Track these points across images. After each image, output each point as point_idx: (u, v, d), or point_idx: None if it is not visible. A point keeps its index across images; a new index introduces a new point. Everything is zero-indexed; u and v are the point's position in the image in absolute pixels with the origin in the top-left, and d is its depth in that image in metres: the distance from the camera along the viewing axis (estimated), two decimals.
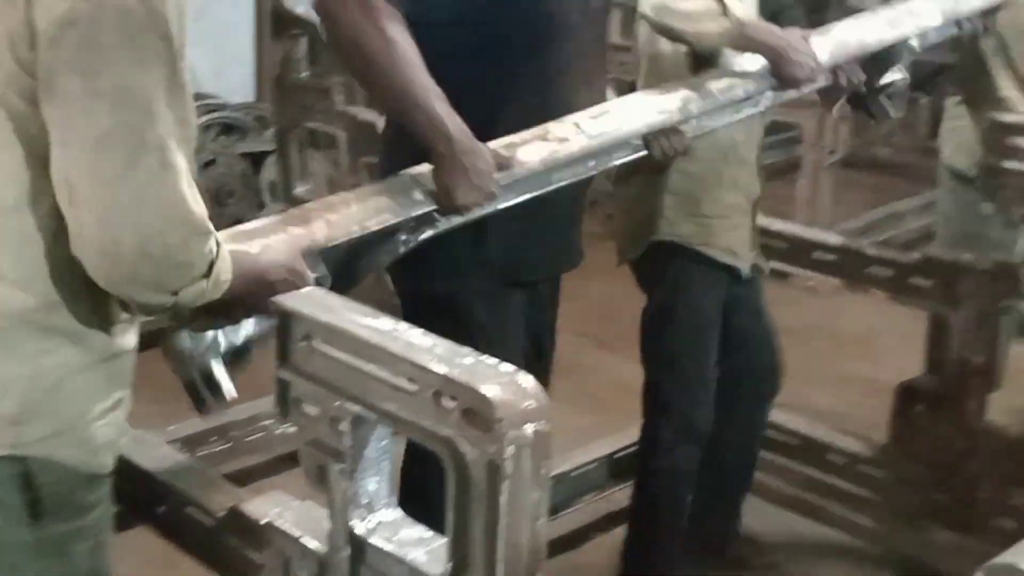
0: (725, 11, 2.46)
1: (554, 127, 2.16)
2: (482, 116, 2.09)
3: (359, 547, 1.47)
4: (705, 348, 2.84)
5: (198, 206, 1.47)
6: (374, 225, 1.88)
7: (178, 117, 1.45)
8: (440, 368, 1.34)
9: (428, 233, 2.02)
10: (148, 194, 1.41)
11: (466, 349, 1.37)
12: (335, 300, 1.50)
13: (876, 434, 3.23)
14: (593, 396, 3.83)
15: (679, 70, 2.60)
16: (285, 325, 1.48)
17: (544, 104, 2.22)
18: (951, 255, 3.04)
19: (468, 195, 1.99)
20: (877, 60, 2.76)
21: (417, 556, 1.43)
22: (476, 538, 1.33)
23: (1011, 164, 2.93)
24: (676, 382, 2.85)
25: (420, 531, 1.47)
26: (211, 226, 1.50)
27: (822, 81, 2.59)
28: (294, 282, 1.66)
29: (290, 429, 1.55)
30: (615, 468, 3.23)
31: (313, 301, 1.49)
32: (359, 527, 1.47)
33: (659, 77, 2.62)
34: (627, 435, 3.14)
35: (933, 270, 3.03)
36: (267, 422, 3.45)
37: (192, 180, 1.48)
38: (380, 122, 4.35)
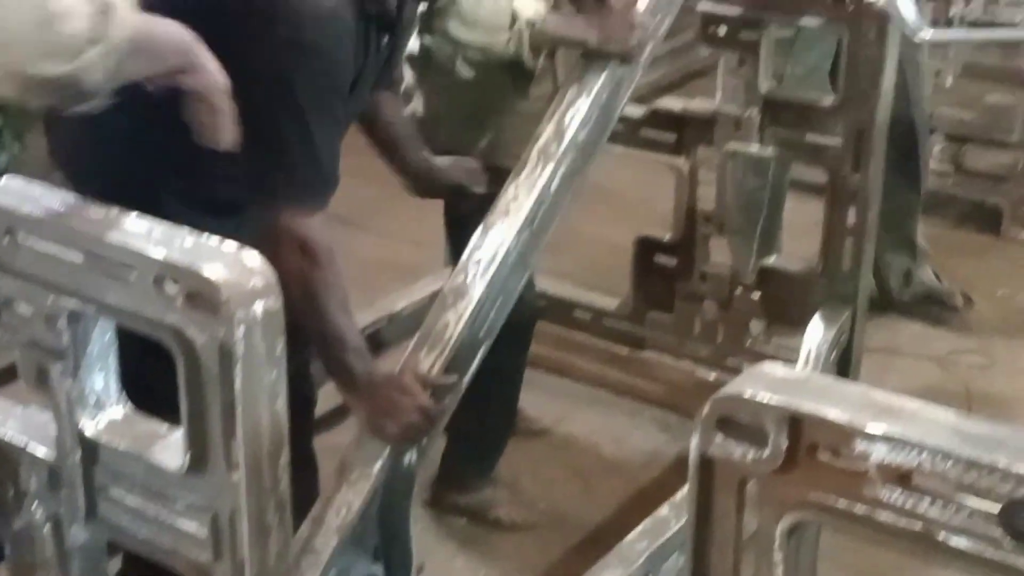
0: (515, 18, 2.48)
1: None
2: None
3: (91, 449, 1.40)
4: None
5: None
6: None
7: None
8: (158, 252, 1.26)
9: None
10: None
11: (185, 230, 1.29)
12: (36, 188, 1.39)
13: (619, 291, 3.31)
14: None
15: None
16: None
17: None
18: (675, 105, 3.10)
19: (407, 416, 2.02)
20: None
21: (153, 452, 1.36)
22: (213, 426, 1.28)
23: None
24: None
25: (155, 426, 1.40)
26: None
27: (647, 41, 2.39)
28: None
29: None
30: None
31: (12, 192, 1.38)
32: (89, 428, 1.39)
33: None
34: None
35: (661, 121, 3.09)
36: None
37: None
38: None
